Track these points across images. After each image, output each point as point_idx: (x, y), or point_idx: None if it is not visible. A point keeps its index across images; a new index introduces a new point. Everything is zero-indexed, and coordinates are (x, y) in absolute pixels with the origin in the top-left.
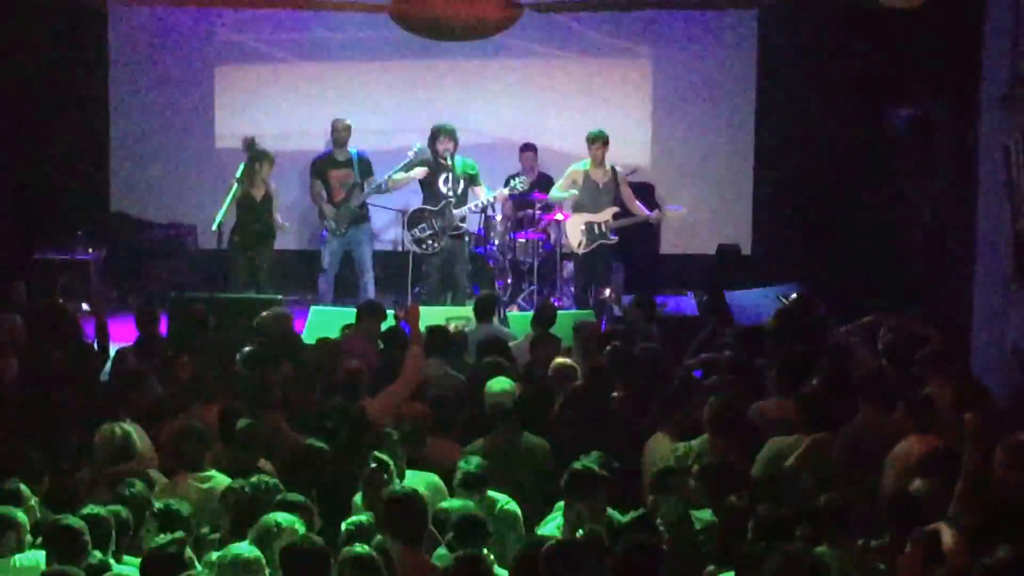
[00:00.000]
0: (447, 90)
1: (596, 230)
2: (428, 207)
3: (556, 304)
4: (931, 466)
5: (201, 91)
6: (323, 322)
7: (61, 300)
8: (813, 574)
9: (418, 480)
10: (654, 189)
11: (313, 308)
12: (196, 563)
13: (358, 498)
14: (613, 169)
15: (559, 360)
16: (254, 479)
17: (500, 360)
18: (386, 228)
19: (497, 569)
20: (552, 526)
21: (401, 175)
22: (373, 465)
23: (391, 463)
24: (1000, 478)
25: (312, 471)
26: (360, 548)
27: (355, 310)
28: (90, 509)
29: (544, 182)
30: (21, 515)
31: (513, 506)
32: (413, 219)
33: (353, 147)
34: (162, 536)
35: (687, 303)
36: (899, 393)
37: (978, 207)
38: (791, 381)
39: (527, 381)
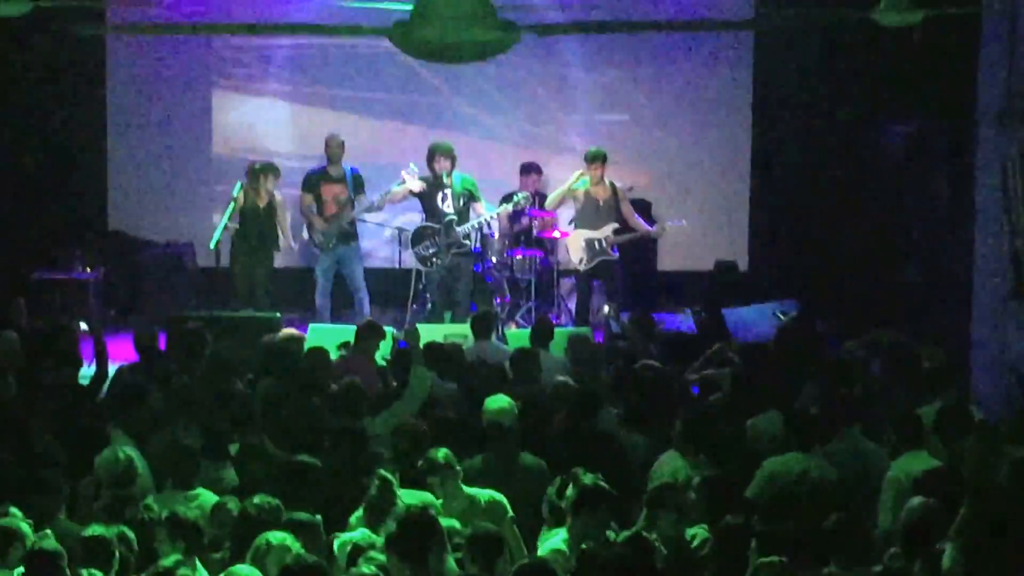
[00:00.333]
0: (443, 107)
1: (597, 246)
2: (431, 224)
3: (554, 321)
4: (930, 486)
5: (198, 110)
6: (322, 340)
7: (59, 319)
8: None
9: (413, 499)
10: (651, 206)
11: (311, 326)
12: None
13: (354, 517)
14: (613, 186)
15: (559, 379)
16: (257, 499)
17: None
18: (383, 246)
19: None
20: (558, 539)
21: (397, 189)
22: (377, 483)
23: (396, 483)
24: (1009, 495)
25: (306, 488)
26: (367, 568)
27: (351, 328)
28: (93, 530)
29: (543, 200)
30: (25, 527)
31: (499, 496)
32: (416, 237)
33: (347, 164)
34: (168, 559)
35: (685, 322)
36: (892, 412)
37: (975, 224)
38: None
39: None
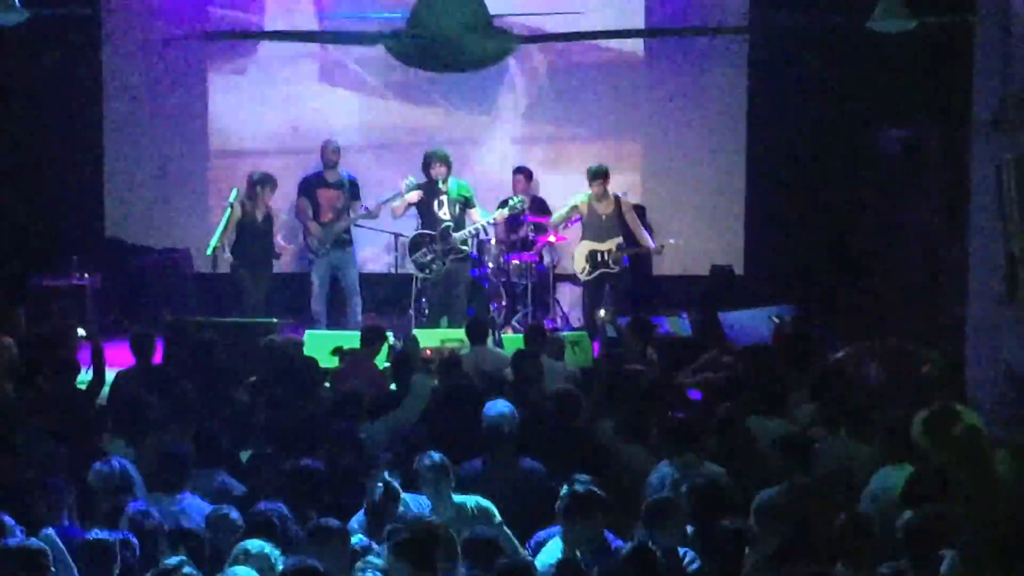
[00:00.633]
0: (438, 113)
1: (599, 258)
2: (428, 231)
3: (550, 326)
4: (914, 495)
5: (195, 117)
6: (319, 346)
7: (57, 325)
8: None
9: (414, 503)
10: (646, 210)
11: (308, 332)
12: None
13: (354, 521)
14: (617, 199)
15: (560, 386)
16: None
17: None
18: (380, 251)
19: None
20: (555, 548)
21: (397, 201)
22: (380, 488)
23: (399, 489)
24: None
25: (309, 493)
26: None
27: (346, 333)
28: (96, 535)
29: (538, 205)
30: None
31: (485, 503)
32: (414, 245)
33: (343, 170)
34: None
35: (682, 325)
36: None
37: (970, 227)
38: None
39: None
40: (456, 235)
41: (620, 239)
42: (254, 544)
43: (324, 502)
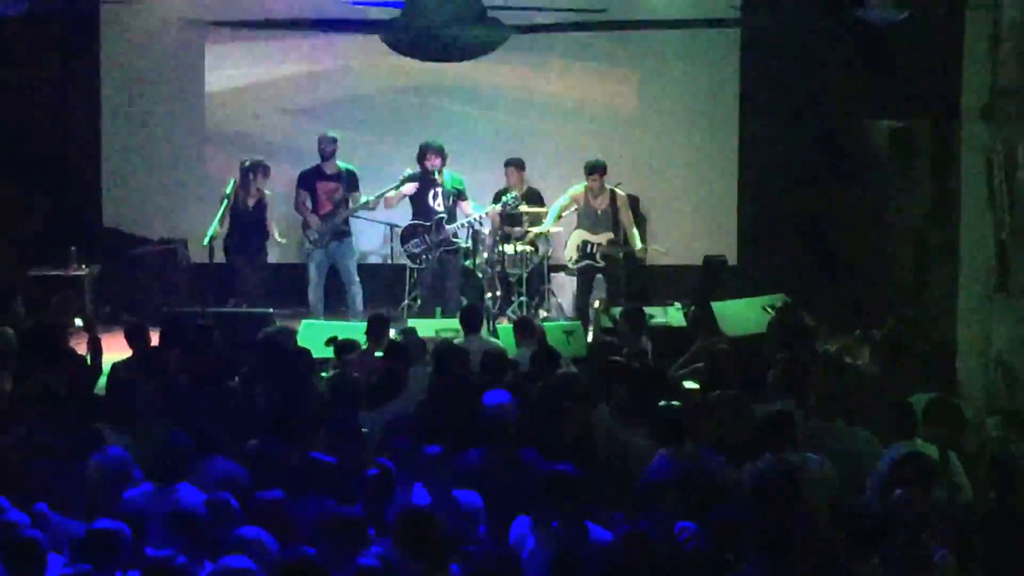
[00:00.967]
0: (434, 106)
1: (588, 249)
2: (421, 222)
3: (544, 316)
4: (906, 474)
5: (192, 107)
6: (313, 335)
7: (55, 316)
8: None
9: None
10: (639, 201)
11: (304, 322)
12: None
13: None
14: (613, 194)
15: (561, 371)
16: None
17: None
18: (376, 242)
19: None
20: (523, 526)
21: (392, 192)
22: (375, 472)
23: (394, 473)
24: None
25: (319, 484)
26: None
27: (342, 324)
28: (96, 525)
29: (532, 196)
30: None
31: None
32: (406, 235)
33: (341, 161)
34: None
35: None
36: (884, 402)
37: (961, 218)
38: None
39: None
40: (448, 227)
41: (611, 234)
42: (250, 532)
43: (332, 492)
